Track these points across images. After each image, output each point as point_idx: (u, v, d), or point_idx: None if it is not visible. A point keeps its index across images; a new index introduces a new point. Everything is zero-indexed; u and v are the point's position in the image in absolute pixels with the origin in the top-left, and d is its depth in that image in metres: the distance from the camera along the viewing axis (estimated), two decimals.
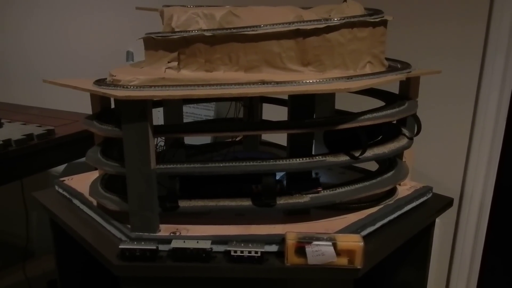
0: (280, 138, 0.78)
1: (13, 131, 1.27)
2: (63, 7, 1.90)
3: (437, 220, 0.94)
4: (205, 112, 1.47)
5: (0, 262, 1.94)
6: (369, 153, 0.77)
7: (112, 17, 1.78)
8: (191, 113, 1.50)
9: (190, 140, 0.99)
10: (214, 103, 1.43)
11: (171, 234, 0.73)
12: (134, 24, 1.60)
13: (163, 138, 1.00)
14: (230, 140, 1.21)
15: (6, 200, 1.80)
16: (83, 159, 0.85)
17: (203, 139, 1.23)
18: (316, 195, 0.76)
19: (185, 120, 1.18)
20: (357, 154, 0.76)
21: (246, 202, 0.74)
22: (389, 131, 0.87)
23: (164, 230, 0.74)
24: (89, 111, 0.90)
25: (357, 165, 0.91)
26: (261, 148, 1.18)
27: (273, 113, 1.07)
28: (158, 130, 0.72)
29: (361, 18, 0.76)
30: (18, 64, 2.14)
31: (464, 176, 1.19)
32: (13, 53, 2.14)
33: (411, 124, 0.90)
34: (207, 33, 0.75)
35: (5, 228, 2.11)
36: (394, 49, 0.97)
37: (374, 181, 0.81)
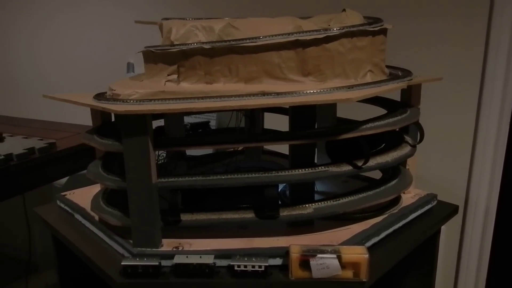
0: (282, 146, 0.78)
1: (15, 145, 1.26)
2: (64, 20, 1.91)
3: (442, 226, 0.93)
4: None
5: (3, 277, 1.93)
6: (372, 162, 0.76)
7: (112, 29, 1.78)
8: (193, 122, 1.49)
9: (192, 150, 0.99)
10: (216, 113, 1.42)
11: (174, 249, 0.72)
12: (134, 35, 1.60)
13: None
14: (232, 149, 1.20)
15: (8, 214, 1.80)
16: (85, 171, 0.84)
17: (205, 150, 1.22)
18: (320, 205, 0.75)
19: None
20: (359, 163, 0.75)
21: (249, 215, 0.74)
22: (391, 139, 0.87)
23: (167, 245, 0.74)
24: (91, 122, 0.90)
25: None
26: (263, 157, 1.18)
27: (275, 121, 1.06)
28: (158, 144, 0.71)
29: (361, 27, 0.76)
30: (19, 77, 2.14)
31: (469, 181, 1.18)
32: (14, 66, 2.15)
33: (413, 131, 0.89)
34: (206, 46, 0.75)
35: (8, 242, 2.11)
36: (394, 55, 0.97)
37: (377, 190, 0.80)
